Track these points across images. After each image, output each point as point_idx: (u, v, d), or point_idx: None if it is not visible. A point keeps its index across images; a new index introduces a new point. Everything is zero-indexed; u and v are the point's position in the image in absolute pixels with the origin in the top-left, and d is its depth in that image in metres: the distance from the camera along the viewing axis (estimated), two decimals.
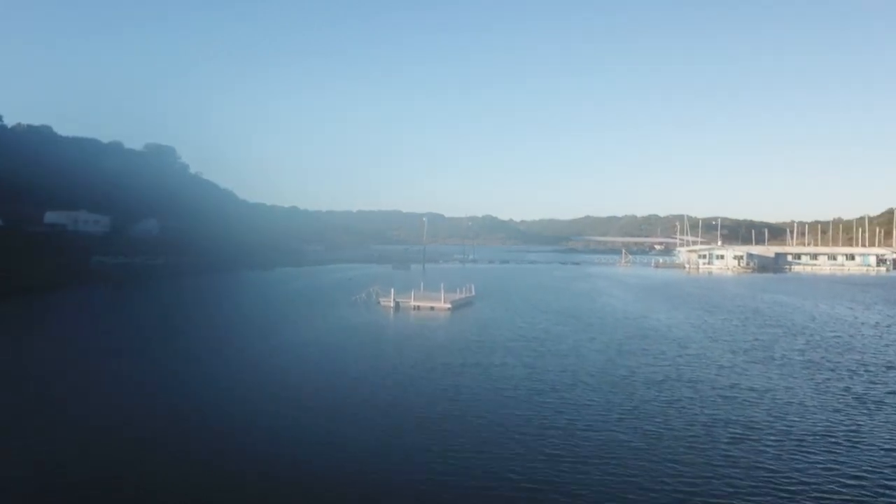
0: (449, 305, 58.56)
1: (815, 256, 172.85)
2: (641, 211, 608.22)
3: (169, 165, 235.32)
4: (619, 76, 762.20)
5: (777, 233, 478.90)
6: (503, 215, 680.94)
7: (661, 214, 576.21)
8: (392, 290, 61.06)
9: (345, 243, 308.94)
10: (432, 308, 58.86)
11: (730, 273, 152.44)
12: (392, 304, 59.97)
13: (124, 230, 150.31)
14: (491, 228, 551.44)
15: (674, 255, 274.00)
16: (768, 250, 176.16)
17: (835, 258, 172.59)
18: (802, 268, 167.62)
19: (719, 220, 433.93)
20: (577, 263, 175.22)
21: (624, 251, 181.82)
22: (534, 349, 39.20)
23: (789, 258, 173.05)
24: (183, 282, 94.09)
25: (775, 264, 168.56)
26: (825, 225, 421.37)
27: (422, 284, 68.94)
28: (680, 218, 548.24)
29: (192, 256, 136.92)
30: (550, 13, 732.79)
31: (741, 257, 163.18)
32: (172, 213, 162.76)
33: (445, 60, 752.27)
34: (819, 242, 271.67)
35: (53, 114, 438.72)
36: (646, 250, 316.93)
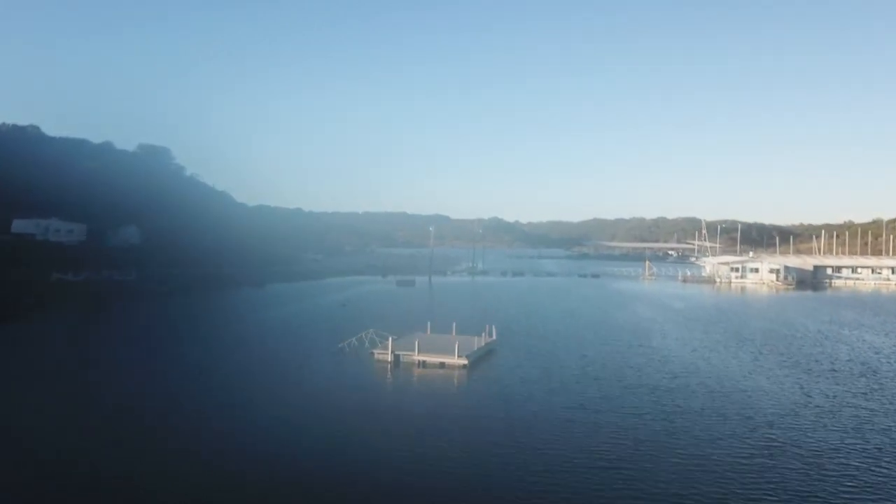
0: (464, 362, 44.50)
1: (856, 269, 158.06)
2: (649, 213, 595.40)
3: (163, 167, 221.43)
4: (623, 76, 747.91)
5: (787, 236, 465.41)
6: (509, 217, 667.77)
7: (670, 217, 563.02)
8: (390, 340, 46.92)
9: (348, 245, 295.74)
10: (442, 365, 44.83)
11: (766, 289, 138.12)
12: (389, 358, 45.94)
13: (102, 239, 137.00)
14: (497, 231, 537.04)
15: (692, 263, 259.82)
16: (805, 262, 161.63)
17: (879, 271, 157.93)
18: (844, 283, 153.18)
19: (739, 224, 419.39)
20: (597, 276, 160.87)
21: (647, 263, 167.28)
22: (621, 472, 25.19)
23: (829, 271, 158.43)
24: (144, 307, 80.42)
25: (814, 279, 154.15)
26: (838, 228, 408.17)
27: (429, 325, 54.76)
28: (689, 221, 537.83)
29: (173, 269, 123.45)
30: (552, 13, 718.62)
31: (778, 271, 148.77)
32: (160, 219, 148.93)
33: (449, 61, 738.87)
34: (847, 251, 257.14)
35: (52, 114, 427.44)
36: (660, 256, 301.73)
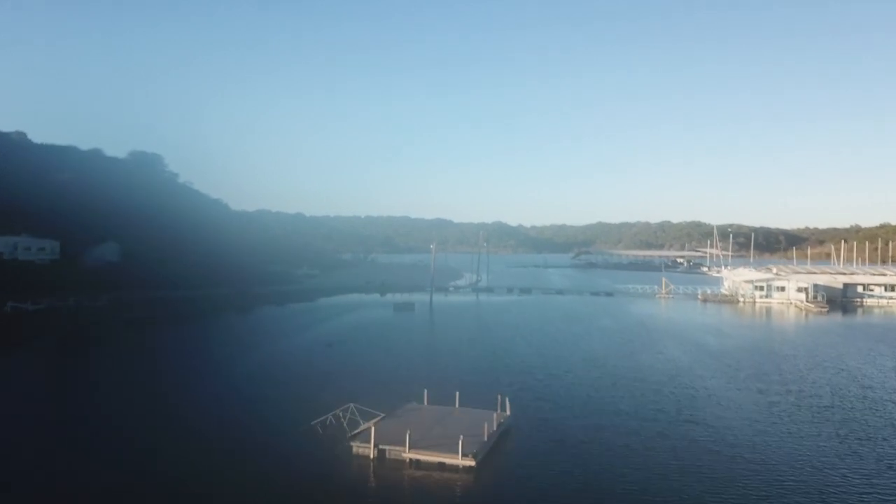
0: (470, 462, 33.74)
1: (891, 287, 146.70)
2: (654, 217, 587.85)
3: (154, 175, 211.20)
4: (627, 79, 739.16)
5: (793, 241, 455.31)
6: (512, 221, 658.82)
7: (675, 221, 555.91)
8: (373, 429, 36.05)
9: (348, 253, 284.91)
10: (441, 466, 34.09)
11: (794, 311, 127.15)
12: (372, 453, 35.24)
13: (78, 257, 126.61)
14: (500, 235, 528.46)
15: (704, 274, 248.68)
16: (835, 280, 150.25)
17: None
18: (876, 302, 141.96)
19: (744, 229, 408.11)
20: (611, 295, 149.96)
21: (664, 281, 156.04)
22: None
23: (859, 289, 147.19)
24: (90, 346, 69.79)
25: (843, 297, 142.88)
26: (844, 232, 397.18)
27: (426, 394, 44.02)
28: (695, 225, 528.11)
29: (150, 292, 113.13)
30: (560, 17, 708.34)
31: (807, 290, 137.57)
32: (144, 234, 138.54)
33: (452, 64, 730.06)
34: (867, 259, 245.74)
35: (41, 120, 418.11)
36: (669, 265, 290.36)
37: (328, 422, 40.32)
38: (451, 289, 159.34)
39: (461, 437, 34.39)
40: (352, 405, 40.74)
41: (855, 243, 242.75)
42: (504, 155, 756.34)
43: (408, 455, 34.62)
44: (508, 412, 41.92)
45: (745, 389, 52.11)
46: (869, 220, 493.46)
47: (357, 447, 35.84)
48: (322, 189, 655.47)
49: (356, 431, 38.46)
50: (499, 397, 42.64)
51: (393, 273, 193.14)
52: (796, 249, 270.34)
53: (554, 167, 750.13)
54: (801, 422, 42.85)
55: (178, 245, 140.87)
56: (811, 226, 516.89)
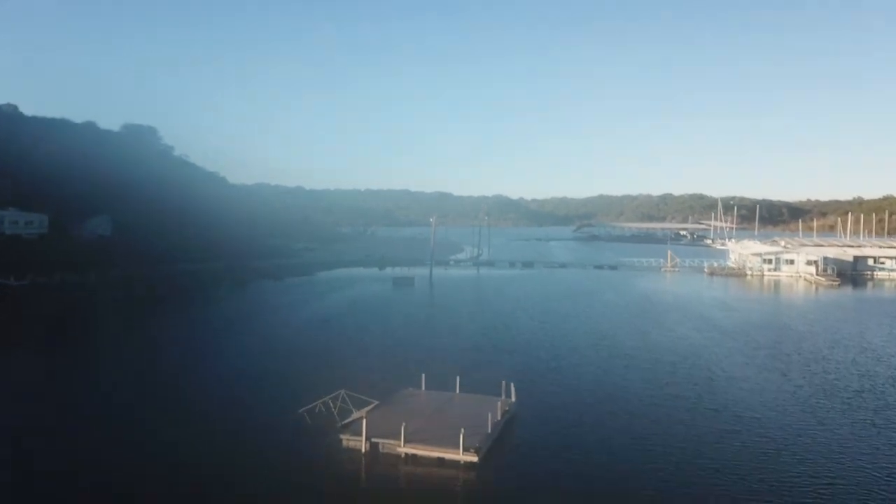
0: (473, 458, 30.48)
1: None
2: (655, 190, 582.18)
3: (149, 148, 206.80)
4: (628, 51, 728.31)
5: (796, 213, 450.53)
6: (513, 194, 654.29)
7: (676, 193, 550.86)
8: (364, 420, 32.66)
9: (348, 226, 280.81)
10: (440, 461, 30.84)
11: (803, 284, 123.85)
12: (364, 447, 31.97)
13: (68, 232, 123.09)
14: (502, 208, 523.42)
15: (709, 246, 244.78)
16: (845, 252, 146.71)
17: None
18: (888, 275, 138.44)
19: (748, 201, 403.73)
20: (615, 268, 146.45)
21: (669, 254, 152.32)
22: None
23: (870, 262, 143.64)
24: (70, 325, 66.31)
25: (853, 270, 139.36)
26: (847, 205, 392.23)
27: (423, 379, 40.63)
28: (696, 197, 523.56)
29: (142, 268, 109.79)
30: None
31: (816, 262, 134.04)
32: (138, 207, 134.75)
33: (453, 36, 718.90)
34: (873, 231, 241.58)
35: (34, 93, 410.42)
36: (671, 237, 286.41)
37: (318, 409, 37.04)
38: (451, 263, 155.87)
39: (462, 429, 31.04)
40: (343, 391, 37.39)
41: (861, 216, 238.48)
42: (505, 128, 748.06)
43: (403, 449, 31.34)
44: (514, 398, 38.62)
45: (766, 371, 48.80)
46: (872, 193, 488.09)
47: (347, 440, 32.56)
48: (322, 162, 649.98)
49: (347, 421, 35.23)
50: (503, 383, 39.29)
51: (392, 247, 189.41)
52: (801, 222, 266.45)
53: (555, 139, 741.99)
54: (832, 409, 39.53)
55: (172, 219, 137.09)
56: (813, 198, 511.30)
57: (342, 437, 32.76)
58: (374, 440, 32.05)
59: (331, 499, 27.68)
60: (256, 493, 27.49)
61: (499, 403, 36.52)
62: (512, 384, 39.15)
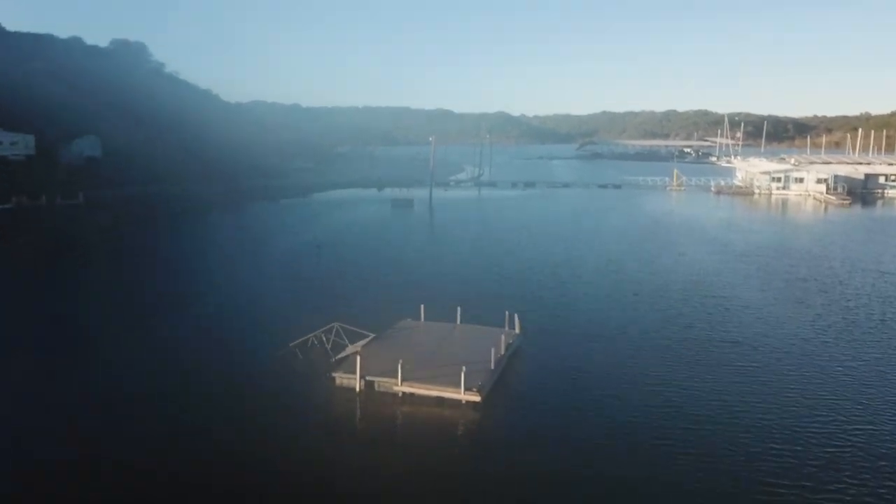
0: (475, 397, 28.22)
1: None
2: (659, 106, 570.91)
3: (139, 64, 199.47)
4: None
5: (802, 129, 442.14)
6: (515, 111, 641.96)
7: (680, 110, 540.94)
8: (358, 356, 30.21)
9: (346, 146, 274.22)
10: (440, 401, 28.62)
11: (812, 203, 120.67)
12: (358, 385, 29.70)
13: (55, 153, 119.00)
14: (503, 126, 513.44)
15: (714, 164, 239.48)
16: (856, 170, 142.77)
17: None
18: None
19: (753, 117, 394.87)
20: (619, 187, 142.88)
21: (675, 172, 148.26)
22: None
23: (881, 180, 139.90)
24: (64, 253, 63.55)
25: (864, 188, 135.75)
26: (854, 120, 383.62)
27: (422, 310, 38.09)
28: (701, 114, 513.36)
29: (134, 188, 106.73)
30: None
31: (826, 181, 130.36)
32: (128, 127, 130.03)
33: None
34: (883, 148, 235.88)
35: (17, 6, 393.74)
36: (675, 155, 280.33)
37: (310, 343, 34.72)
38: (451, 183, 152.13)
39: (463, 367, 28.65)
40: (336, 324, 34.93)
41: (871, 132, 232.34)
42: (506, 42, 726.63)
43: (400, 388, 29.07)
44: (518, 330, 36.21)
45: (783, 299, 46.34)
46: (879, 108, 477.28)
47: (340, 378, 30.28)
48: (320, 79, 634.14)
49: (341, 356, 32.97)
50: (506, 313, 36.79)
51: (391, 166, 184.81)
52: (807, 138, 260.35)
53: (557, 54, 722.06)
54: (856, 342, 37.14)
55: (163, 139, 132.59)
56: (819, 114, 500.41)
57: (335, 375, 30.43)
58: (368, 378, 29.74)
59: (322, 442, 25.50)
60: (242, 438, 25.34)
61: (502, 336, 33.99)
62: (516, 315, 36.61)
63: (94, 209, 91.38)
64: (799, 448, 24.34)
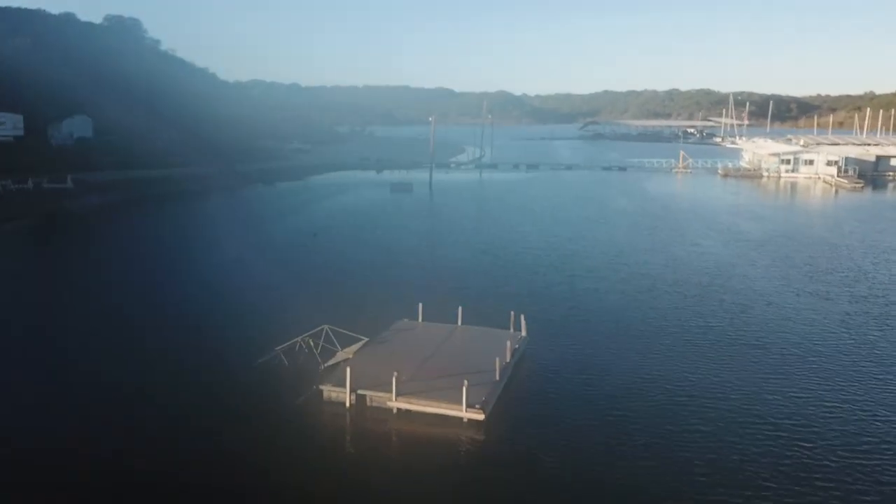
0: (478, 416, 25.27)
1: None
2: (661, 85, 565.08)
3: (133, 41, 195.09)
4: None
5: (805, 108, 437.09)
6: (516, 90, 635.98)
7: (683, 89, 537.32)
8: (349, 369, 27.19)
9: (345, 126, 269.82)
10: (440, 418, 25.66)
11: (823, 186, 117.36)
12: (348, 400, 26.75)
13: (45, 133, 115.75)
14: (504, 105, 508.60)
15: (718, 144, 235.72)
16: (867, 152, 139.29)
17: None
18: None
19: (757, 97, 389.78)
20: (624, 169, 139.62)
21: (682, 154, 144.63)
22: None
23: (893, 162, 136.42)
24: (45, 240, 60.50)
25: (875, 171, 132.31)
26: (858, 99, 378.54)
27: (420, 309, 35.14)
28: (704, 93, 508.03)
29: (123, 170, 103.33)
30: None
31: (837, 163, 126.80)
32: (121, 107, 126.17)
33: None
34: (891, 128, 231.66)
35: None
36: (678, 135, 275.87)
37: (297, 348, 31.75)
38: (452, 165, 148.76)
39: (465, 381, 25.70)
40: (326, 327, 31.93)
41: (879, 111, 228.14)
42: (508, 20, 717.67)
43: (394, 404, 26.14)
44: (524, 333, 33.25)
45: (806, 294, 43.32)
46: (884, 87, 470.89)
47: (329, 391, 27.34)
48: (319, 58, 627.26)
49: (330, 363, 30.10)
50: (512, 314, 33.79)
51: (391, 147, 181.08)
52: (810, 117, 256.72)
53: (558, 32, 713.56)
54: (893, 342, 34.21)
55: (157, 119, 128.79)
56: (823, 93, 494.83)
57: (322, 388, 27.48)
58: (360, 392, 26.81)
59: (307, 465, 22.61)
60: (220, 459, 22.51)
61: (508, 342, 31.01)
62: (522, 316, 33.62)
63: (82, 193, 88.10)
64: (839, 464, 21.43)
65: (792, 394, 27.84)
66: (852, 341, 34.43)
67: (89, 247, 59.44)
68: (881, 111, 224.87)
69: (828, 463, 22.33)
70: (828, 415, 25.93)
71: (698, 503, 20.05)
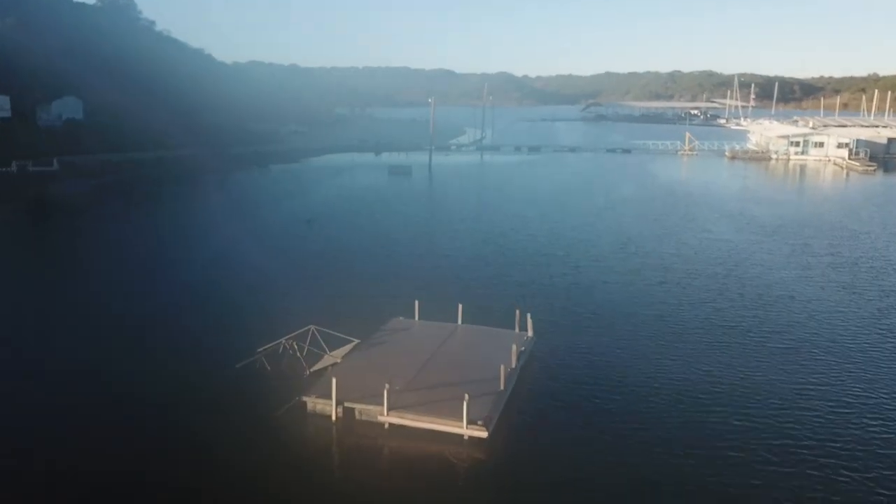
0: (480, 433, 22.39)
1: None
2: (663, 67, 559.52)
3: (127, 21, 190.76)
4: None
5: (809, 90, 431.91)
6: (517, 71, 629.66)
7: (685, 70, 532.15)
8: (334, 380, 24.13)
9: (343, 107, 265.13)
10: (437, 436, 22.79)
11: (833, 168, 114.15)
12: (335, 413, 23.87)
13: (33, 115, 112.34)
14: (505, 87, 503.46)
15: (722, 126, 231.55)
16: (878, 134, 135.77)
17: None
18: None
19: (762, 79, 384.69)
20: (628, 152, 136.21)
21: (688, 136, 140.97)
22: None
23: None
24: (22, 230, 57.53)
25: (886, 153, 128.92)
26: (862, 81, 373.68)
27: (416, 306, 32.27)
28: (706, 75, 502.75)
29: (113, 153, 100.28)
30: None
31: (847, 145, 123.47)
32: (113, 88, 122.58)
33: None
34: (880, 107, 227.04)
35: None
36: (682, 117, 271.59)
37: (281, 350, 28.90)
38: (452, 148, 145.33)
39: (466, 394, 22.84)
40: (312, 328, 29.07)
41: (884, 93, 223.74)
42: (508, 0, 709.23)
43: (386, 419, 23.32)
44: (531, 333, 30.37)
45: (830, 286, 40.42)
46: (888, 69, 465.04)
47: (313, 403, 24.49)
48: (319, 38, 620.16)
49: (316, 368, 27.31)
50: (517, 312, 30.89)
51: (390, 129, 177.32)
52: (815, 99, 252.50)
53: (560, 13, 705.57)
54: None
55: (150, 101, 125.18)
56: (826, 75, 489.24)
57: (306, 399, 24.62)
58: (347, 405, 23.98)
59: (285, 486, 19.87)
60: (182, 476, 19.78)
61: (513, 344, 28.04)
62: (529, 315, 30.71)
63: (69, 177, 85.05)
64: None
65: (831, 399, 25.00)
66: (891, 343, 31.48)
67: (73, 235, 56.57)
68: (889, 92, 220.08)
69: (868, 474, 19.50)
70: (869, 422, 23.09)
71: None
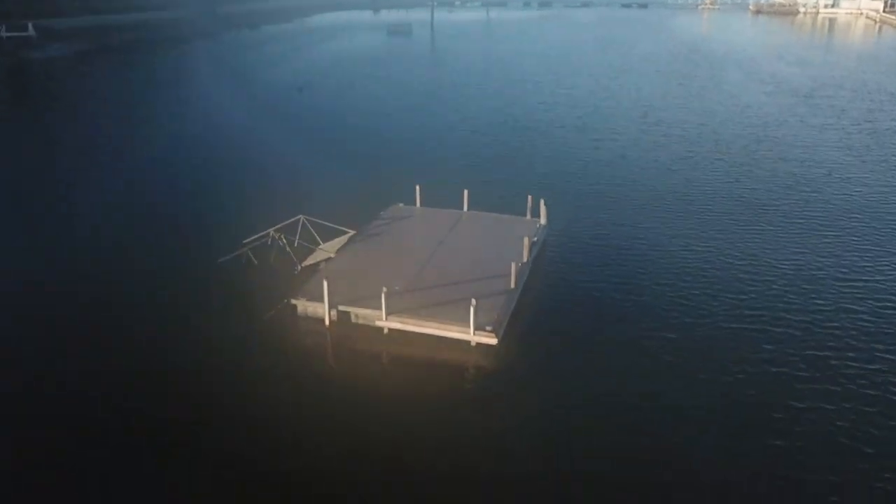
0: (490, 339, 19.92)
1: None
2: None
3: None
4: None
5: None
6: None
7: None
8: (325, 282, 21.27)
9: None
10: (442, 342, 20.37)
11: (866, 22, 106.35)
12: (328, 316, 21.40)
13: None
14: None
15: None
16: None
17: None
18: None
19: None
20: (645, 6, 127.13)
21: None
22: None
23: None
24: None
25: None
26: None
27: (417, 191, 28.88)
28: None
29: (92, 15, 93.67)
30: None
31: None
32: None
33: None
34: None
35: None
36: None
37: (269, 242, 26.06)
38: (456, 3, 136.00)
39: (473, 294, 20.22)
40: (302, 217, 26.08)
41: None
42: None
43: (385, 323, 20.84)
44: (544, 221, 27.36)
45: (880, 166, 36.66)
46: None
47: (304, 306, 21.94)
48: None
49: (307, 263, 24.60)
50: (529, 198, 27.71)
51: None
52: None
53: None
54: None
55: None
56: None
57: (295, 301, 22.05)
58: (342, 308, 21.44)
59: (275, 397, 17.76)
60: (163, 384, 17.69)
61: (524, 237, 25.03)
62: (542, 201, 27.51)
63: (46, 42, 79.35)
64: None
65: (879, 295, 22.34)
66: None
67: (46, 108, 52.56)
68: None
69: None
70: None
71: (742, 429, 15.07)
